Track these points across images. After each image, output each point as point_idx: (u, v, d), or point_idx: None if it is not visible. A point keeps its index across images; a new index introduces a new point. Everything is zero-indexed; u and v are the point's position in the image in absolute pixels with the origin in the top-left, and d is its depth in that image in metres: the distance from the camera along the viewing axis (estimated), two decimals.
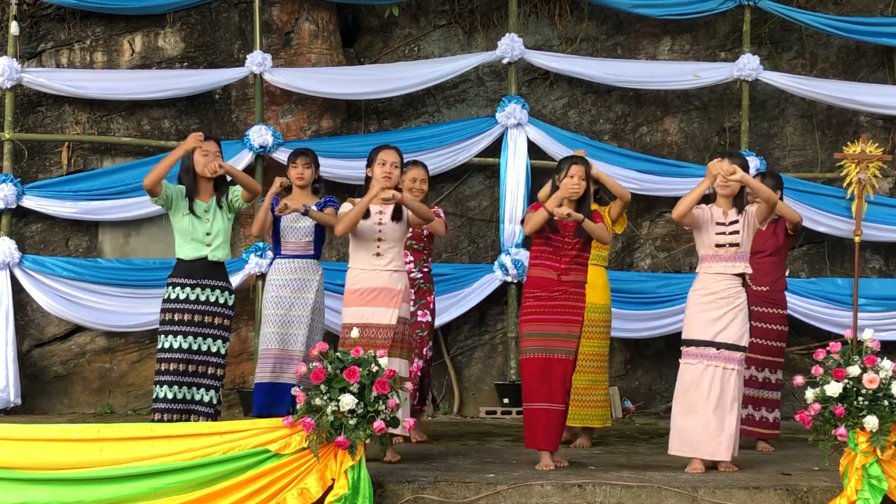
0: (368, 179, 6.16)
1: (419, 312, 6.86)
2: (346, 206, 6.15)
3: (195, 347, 5.99)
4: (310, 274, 6.80)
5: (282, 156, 8.24)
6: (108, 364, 8.53)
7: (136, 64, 8.60)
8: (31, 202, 8.30)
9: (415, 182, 6.83)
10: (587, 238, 6.01)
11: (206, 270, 6.09)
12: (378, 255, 6.05)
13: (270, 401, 6.57)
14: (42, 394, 8.45)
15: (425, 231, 6.88)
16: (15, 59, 8.30)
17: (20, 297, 8.30)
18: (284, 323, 6.72)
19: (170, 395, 5.99)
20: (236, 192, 6.23)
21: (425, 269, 6.95)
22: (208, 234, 6.10)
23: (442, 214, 6.96)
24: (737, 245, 5.95)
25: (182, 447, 5.12)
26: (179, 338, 6.00)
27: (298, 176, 6.86)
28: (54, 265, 8.28)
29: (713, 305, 5.93)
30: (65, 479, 5.05)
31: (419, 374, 6.81)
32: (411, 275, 6.80)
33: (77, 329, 8.48)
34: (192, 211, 6.10)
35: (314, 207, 6.70)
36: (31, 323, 8.46)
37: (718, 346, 5.88)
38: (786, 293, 7.01)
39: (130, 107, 8.59)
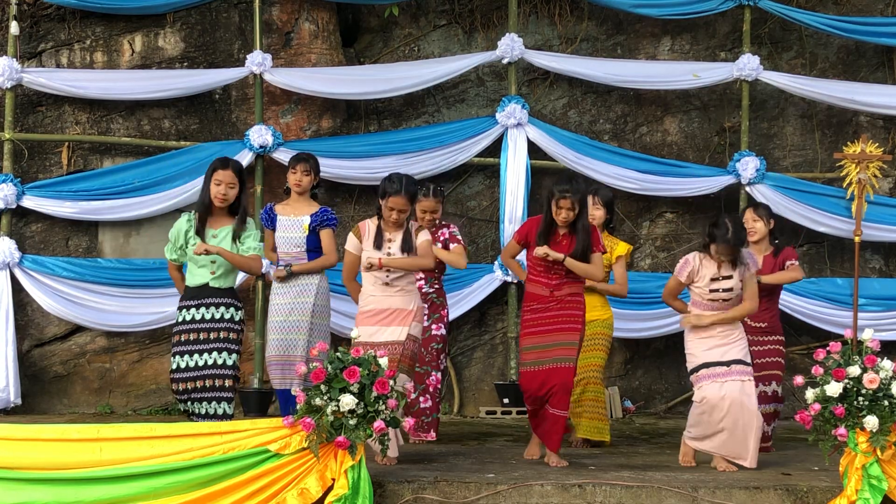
0: (380, 209, 6.04)
1: (433, 326, 6.88)
2: (351, 241, 6.11)
3: (200, 363, 6.01)
4: (308, 278, 6.78)
5: (282, 156, 8.24)
6: (108, 364, 8.53)
7: (136, 64, 8.60)
8: (31, 202, 8.29)
9: (424, 213, 6.81)
10: (578, 253, 6.00)
11: (211, 291, 6.10)
12: (387, 284, 6.03)
13: (282, 405, 6.61)
14: (42, 394, 8.45)
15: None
16: (15, 59, 8.29)
17: (20, 297, 8.29)
18: (284, 329, 6.73)
19: (188, 410, 6.05)
20: (248, 239, 6.18)
21: (436, 286, 6.98)
22: (213, 262, 6.09)
23: (459, 237, 6.97)
24: (728, 300, 6.03)
25: (182, 447, 5.12)
26: (186, 357, 6.02)
27: (296, 182, 6.87)
28: (54, 265, 8.28)
29: (711, 339, 6.00)
30: (65, 479, 5.06)
31: (438, 386, 6.83)
32: (423, 290, 6.80)
33: (77, 329, 8.48)
34: (200, 235, 6.08)
35: (308, 219, 6.73)
36: (31, 323, 8.46)
37: (728, 363, 5.94)
38: (780, 310, 7.04)
39: (130, 107, 8.58)
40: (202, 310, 6.07)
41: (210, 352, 6.02)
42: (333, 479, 5.07)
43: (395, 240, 6.04)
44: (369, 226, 6.10)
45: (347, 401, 5.00)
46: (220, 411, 6.01)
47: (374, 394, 5.06)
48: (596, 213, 6.92)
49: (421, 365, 6.76)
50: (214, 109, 8.70)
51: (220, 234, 6.13)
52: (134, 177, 8.35)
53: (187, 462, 5.08)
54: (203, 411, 6.00)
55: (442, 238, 6.94)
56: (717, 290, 6.00)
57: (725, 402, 5.88)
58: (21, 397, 8.16)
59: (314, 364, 5.13)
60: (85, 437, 5.16)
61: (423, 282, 6.87)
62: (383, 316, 6.01)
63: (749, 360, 6.02)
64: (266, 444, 5.12)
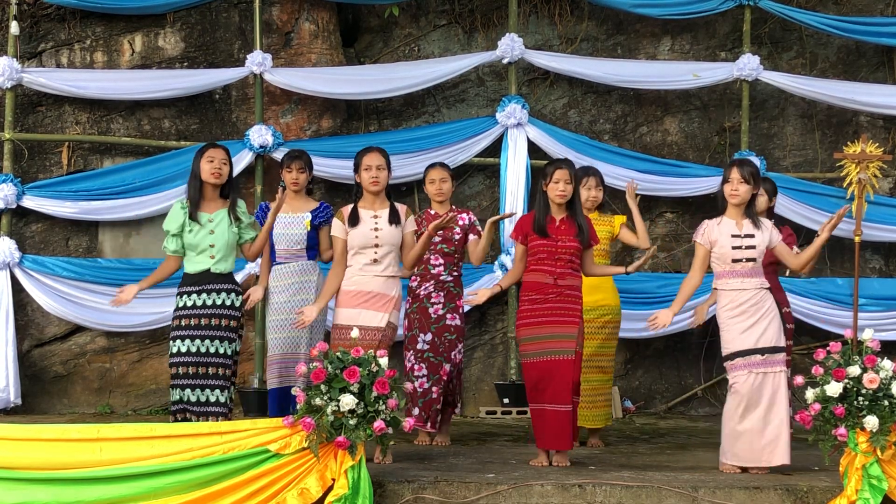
0: (358, 186, 6.22)
1: (448, 316, 6.80)
2: (336, 226, 6.17)
3: (202, 350, 6.01)
4: (307, 275, 6.77)
5: (282, 156, 8.24)
6: (108, 364, 8.53)
7: (136, 64, 8.61)
8: (31, 202, 8.30)
9: (433, 182, 6.86)
10: (581, 243, 6.02)
11: (212, 277, 6.10)
12: (375, 261, 6.06)
13: (280, 405, 6.56)
14: (42, 394, 8.45)
15: (457, 235, 6.86)
16: (15, 59, 8.30)
17: (20, 297, 8.30)
18: (288, 327, 6.71)
19: (182, 398, 6.01)
20: (249, 229, 6.23)
21: (455, 273, 6.89)
22: (212, 245, 6.09)
23: (479, 228, 6.94)
24: (753, 260, 5.91)
25: (182, 447, 5.12)
26: (188, 342, 6.02)
27: (293, 181, 6.85)
28: (54, 265, 8.28)
29: (744, 315, 5.89)
30: (65, 479, 5.06)
31: (447, 377, 6.79)
32: (441, 277, 6.79)
33: (77, 329, 8.49)
34: (195, 220, 6.08)
35: (309, 215, 6.73)
36: (31, 323, 8.46)
37: (763, 351, 5.84)
38: (785, 292, 7.00)
39: (130, 107, 8.59)
40: (203, 296, 6.08)
41: (212, 339, 6.03)
42: (333, 479, 5.07)
43: (381, 215, 6.11)
44: (347, 210, 6.20)
45: (347, 401, 5.00)
46: (221, 399, 6.00)
47: (374, 394, 5.06)
48: (598, 195, 6.95)
49: (435, 355, 6.75)
50: (214, 109, 8.70)
51: (217, 219, 6.14)
52: (134, 177, 8.35)
53: (187, 462, 5.08)
54: (205, 399, 5.99)
55: (461, 223, 6.90)
56: (739, 248, 5.90)
57: (761, 400, 5.80)
58: (21, 397, 8.17)
59: (314, 364, 5.12)
60: (85, 437, 5.16)
61: (441, 268, 6.81)
62: (365, 298, 6.04)
63: (783, 343, 5.92)
64: (266, 444, 5.12)
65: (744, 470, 5.84)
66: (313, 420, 5.02)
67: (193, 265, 6.14)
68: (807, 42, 9.24)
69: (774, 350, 5.86)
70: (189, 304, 6.07)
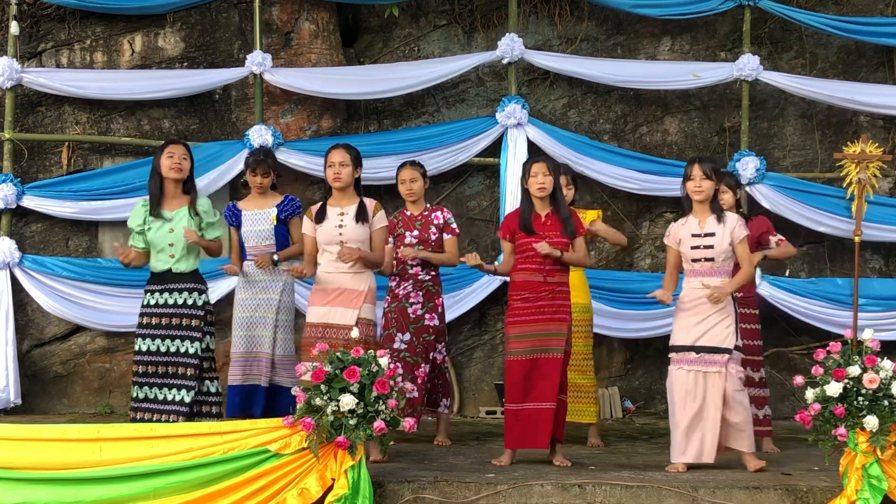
0: (327, 192, 6.29)
1: (426, 316, 6.76)
2: (305, 224, 6.21)
3: (163, 349, 6.07)
4: (273, 275, 6.64)
5: (282, 156, 8.25)
6: (108, 364, 8.54)
7: (136, 64, 8.61)
8: (31, 202, 8.31)
9: (403, 183, 6.82)
10: (568, 236, 6.03)
11: (174, 277, 6.15)
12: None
13: (241, 402, 6.50)
14: (42, 394, 8.46)
15: (433, 235, 6.84)
16: (15, 59, 8.31)
17: (20, 297, 8.30)
18: (249, 325, 6.61)
19: (140, 395, 6.12)
20: (212, 228, 6.23)
21: (433, 272, 6.85)
22: (171, 245, 6.12)
23: (454, 227, 6.88)
24: (711, 260, 5.92)
25: (182, 447, 5.13)
26: (148, 341, 6.11)
27: (258, 185, 6.71)
28: (54, 265, 8.28)
29: (695, 311, 5.90)
30: (65, 479, 5.07)
31: (425, 378, 6.76)
32: (419, 277, 6.77)
33: (77, 329, 8.49)
34: (157, 216, 6.10)
35: (275, 209, 6.69)
36: (31, 323, 8.46)
37: (698, 350, 5.86)
38: (756, 291, 6.99)
39: (130, 107, 8.59)
40: (165, 295, 6.15)
41: (173, 339, 6.09)
42: (333, 479, 5.07)
43: (347, 212, 6.13)
44: (316, 207, 6.23)
45: (347, 401, 5.00)
46: (178, 398, 6.04)
47: (374, 394, 5.07)
48: (568, 194, 6.91)
49: (412, 355, 6.71)
50: (214, 109, 8.71)
51: (177, 217, 6.18)
52: (134, 177, 8.35)
53: (187, 462, 5.08)
54: (162, 397, 6.06)
55: (436, 222, 6.85)
56: (698, 248, 5.90)
57: (695, 397, 5.83)
58: (21, 397, 8.17)
59: (314, 364, 5.13)
60: (85, 437, 5.16)
61: (419, 267, 6.76)
62: (333, 296, 6.07)
63: (728, 345, 5.85)
64: (266, 444, 5.12)
65: (688, 467, 5.84)
66: (313, 420, 5.02)
67: (157, 263, 6.22)
68: (807, 42, 9.23)
69: (714, 350, 5.85)
70: (153, 302, 6.15)
